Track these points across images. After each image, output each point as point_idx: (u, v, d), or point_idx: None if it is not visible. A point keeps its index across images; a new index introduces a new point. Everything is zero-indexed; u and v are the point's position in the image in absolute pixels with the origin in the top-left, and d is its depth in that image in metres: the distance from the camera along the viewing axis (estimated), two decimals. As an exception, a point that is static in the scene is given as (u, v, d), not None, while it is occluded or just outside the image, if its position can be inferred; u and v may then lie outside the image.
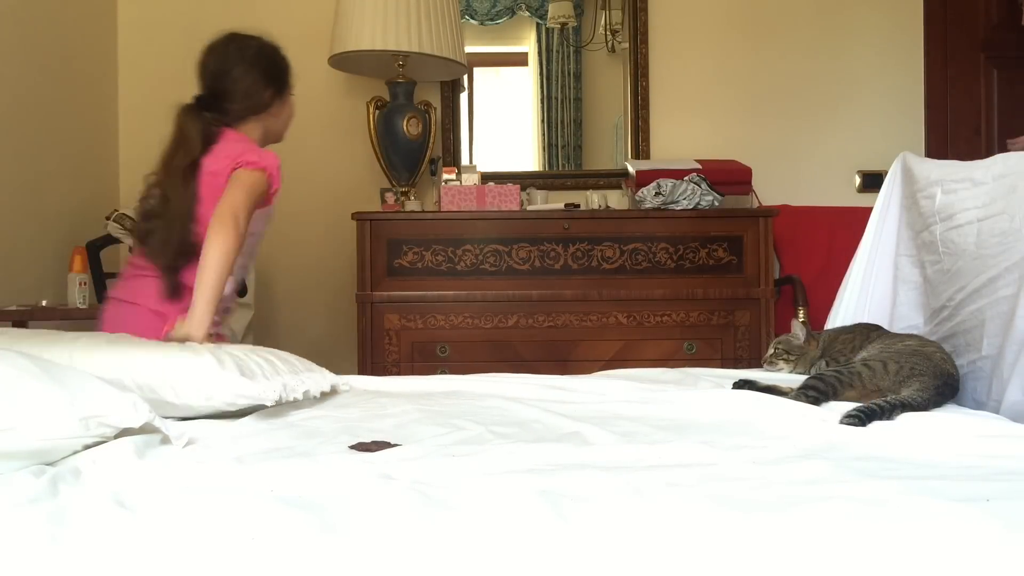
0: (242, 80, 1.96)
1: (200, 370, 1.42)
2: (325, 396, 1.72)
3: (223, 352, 1.50)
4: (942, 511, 0.91)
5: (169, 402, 1.40)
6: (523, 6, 3.54)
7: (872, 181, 3.41)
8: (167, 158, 1.94)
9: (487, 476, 1.07)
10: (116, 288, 2.00)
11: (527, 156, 3.55)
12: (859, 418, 1.39)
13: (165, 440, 1.23)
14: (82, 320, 2.45)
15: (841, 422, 1.39)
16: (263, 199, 1.91)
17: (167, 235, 1.86)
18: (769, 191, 3.31)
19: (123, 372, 1.38)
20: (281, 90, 2.04)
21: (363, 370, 2.79)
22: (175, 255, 1.85)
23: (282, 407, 1.55)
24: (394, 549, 0.83)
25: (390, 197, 3.06)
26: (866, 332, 1.85)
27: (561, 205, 3.01)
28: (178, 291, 1.86)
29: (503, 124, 3.63)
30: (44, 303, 2.51)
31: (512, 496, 0.97)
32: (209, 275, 1.73)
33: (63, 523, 0.87)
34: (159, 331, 1.77)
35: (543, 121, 3.56)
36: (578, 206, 3.12)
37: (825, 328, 2.07)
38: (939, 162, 2.00)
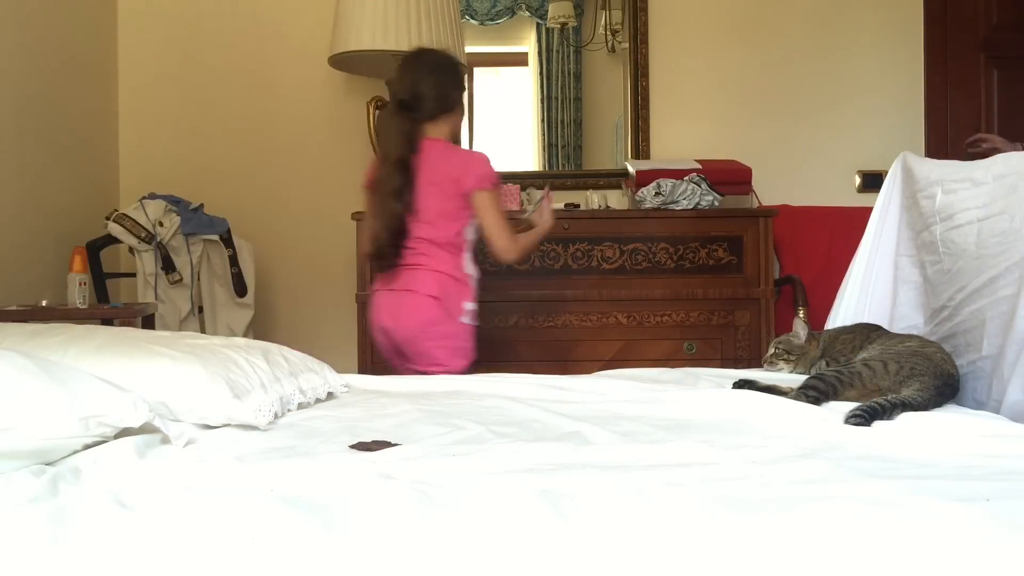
0: (438, 85, 2.29)
1: (192, 391, 1.40)
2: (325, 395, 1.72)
3: (222, 366, 1.48)
4: (942, 511, 0.91)
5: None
6: (523, 6, 3.54)
7: (872, 181, 3.41)
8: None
9: (487, 476, 1.07)
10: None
11: (527, 156, 3.55)
12: (864, 417, 1.39)
13: (165, 440, 1.23)
14: (82, 320, 2.45)
15: (846, 422, 1.39)
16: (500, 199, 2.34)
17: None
18: (769, 191, 3.31)
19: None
20: (460, 97, 2.36)
21: (363, 370, 2.78)
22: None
23: (282, 407, 1.55)
24: (394, 549, 0.83)
25: (390, 197, 3.06)
26: (866, 332, 1.85)
27: (561, 205, 3.01)
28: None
29: (503, 124, 3.63)
30: (44, 303, 2.51)
31: (512, 495, 0.97)
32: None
33: (63, 523, 0.87)
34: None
35: (543, 121, 3.56)
36: (578, 206, 3.11)
37: (825, 328, 2.07)
38: (939, 162, 2.00)
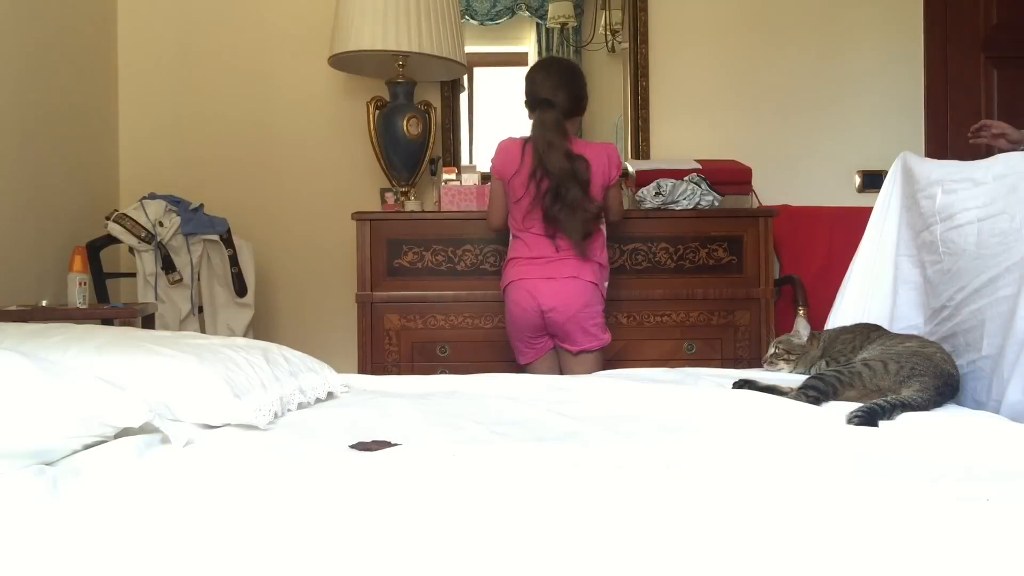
0: (581, 91, 2.57)
1: (192, 391, 1.39)
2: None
3: (222, 365, 1.47)
4: (942, 511, 0.91)
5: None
6: (523, 6, 3.53)
7: (872, 181, 3.41)
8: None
9: (487, 476, 1.07)
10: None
11: (527, 156, 3.55)
12: (865, 417, 1.39)
13: (165, 440, 1.23)
14: (82, 320, 2.45)
15: (849, 422, 1.39)
16: None
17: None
18: (769, 191, 3.31)
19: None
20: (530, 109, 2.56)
21: (363, 370, 2.78)
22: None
23: (282, 407, 1.55)
24: (394, 548, 0.83)
25: (390, 197, 3.06)
26: (866, 332, 1.85)
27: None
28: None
29: (503, 124, 3.63)
30: (44, 303, 2.51)
31: (512, 495, 0.97)
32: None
33: (63, 523, 0.87)
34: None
35: (543, 121, 3.55)
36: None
37: (825, 328, 2.07)
38: (939, 162, 2.00)
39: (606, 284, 2.59)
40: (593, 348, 2.51)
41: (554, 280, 2.48)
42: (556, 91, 2.49)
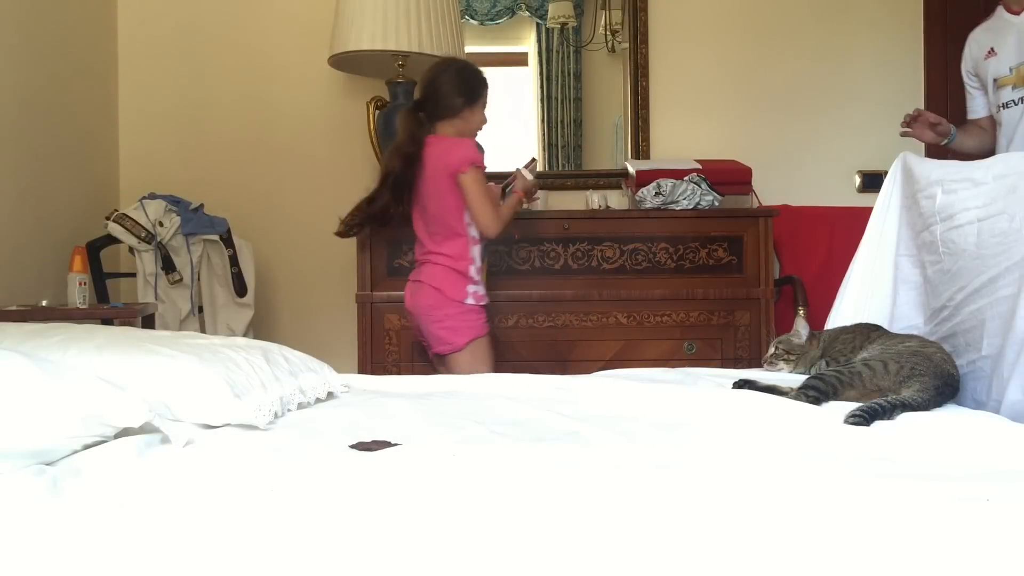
0: (444, 88, 2.48)
1: (192, 391, 1.39)
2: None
3: (222, 365, 1.47)
4: (942, 511, 0.91)
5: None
6: (523, 6, 3.53)
7: (872, 181, 3.41)
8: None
9: (487, 476, 1.07)
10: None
11: (527, 156, 3.54)
12: (863, 417, 1.39)
13: (165, 440, 1.23)
14: (82, 320, 2.45)
15: (846, 422, 1.39)
16: (485, 179, 2.45)
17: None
18: (769, 191, 3.31)
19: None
20: (469, 101, 2.48)
21: (363, 370, 2.78)
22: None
23: (282, 407, 1.55)
24: (395, 549, 0.83)
25: (390, 197, 3.05)
26: (866, 332, 1.85)
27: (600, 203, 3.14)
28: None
29: (503, 124, 3.63)
30: (44, 303, 2.51)
31: (512, 495, 0.97)
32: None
33: (63, 523, 0.87)
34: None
35: (543, 121, 3.56)
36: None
37: (825, 328, 2.07)
38: (939, 162, 2.00)
39: (471, 288, 2.45)
40: (443, 352, 2.46)
41: (410, 282, 2.54)
42: (419, 90, 2.53)
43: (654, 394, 1.66)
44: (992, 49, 2.56)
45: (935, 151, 3.41)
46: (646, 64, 3.44)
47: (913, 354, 1.63)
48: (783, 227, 3.15)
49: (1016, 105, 2.48)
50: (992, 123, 2.60)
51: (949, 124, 2.57)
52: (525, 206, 2.64)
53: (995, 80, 2.55)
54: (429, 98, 2.48)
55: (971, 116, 2.70)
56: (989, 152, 2.53)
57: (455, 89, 2.47)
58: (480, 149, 2.48)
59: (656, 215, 2.88)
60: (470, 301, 2.45)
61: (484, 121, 2.55)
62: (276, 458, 1.19)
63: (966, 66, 2.68)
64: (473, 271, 2.47)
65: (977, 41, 2.62)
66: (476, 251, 2.48)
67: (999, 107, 2.53)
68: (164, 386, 1.38)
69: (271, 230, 3.39)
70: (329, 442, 1.29)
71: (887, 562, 0.78)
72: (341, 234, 2.61)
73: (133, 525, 0.88)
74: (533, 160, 2.62)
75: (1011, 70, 2.51)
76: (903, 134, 2.63)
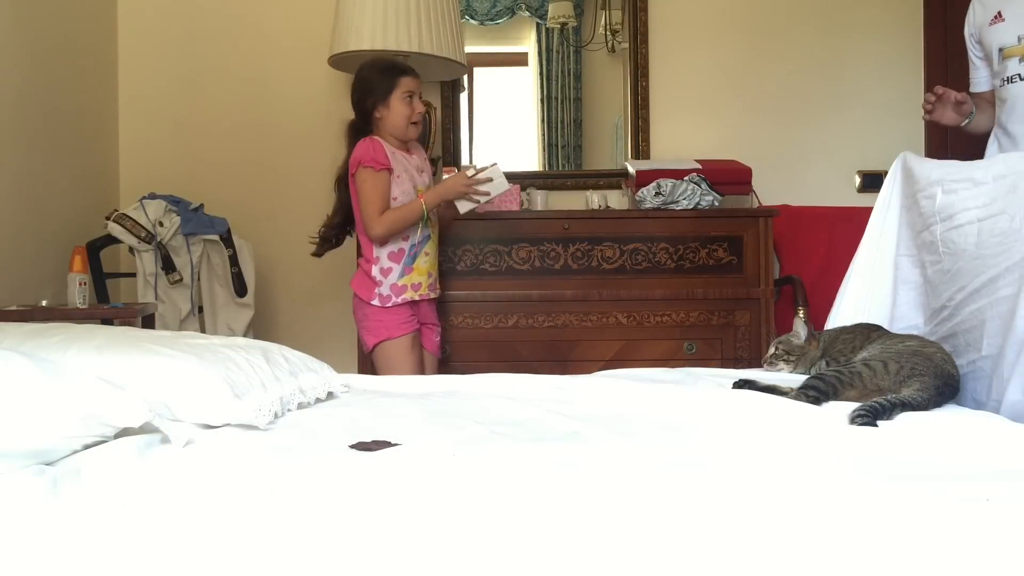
0: (353, 97, 2.53)
1: (192, 391, 1.39)
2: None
3: (222, 365, 1.47)
4: (943, 511, 0.91)
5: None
6: (523, 6, 3.53)
7: (872, 181, 3.41)
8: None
9: (487, 476, 1.07)
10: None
11: (527, 156, 3.55)
12: (869, 417, 1.39)
13: (165, 440, 1.23)
14: (82, 320, 2.45)
15: (852, 422, 1.38)
16: (381, 182, 2.43)
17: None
18: (769, 191, 3.31)
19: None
20: (377, 101, 2.48)
21: (363, 370, 2.78)
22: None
23: (282, 407, 1.55)
24: (395, 549, 0.83)
25: (390, 197, 3.05)
26: (866, 332, 1.85)
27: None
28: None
29: (503, 124, 3.63)
30: (44, 303, 2.51)
31: (512, 495, 0.97)
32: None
33: (63, 523, 0.87)
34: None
35: (543, 121, 3.56)
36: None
37: (825, 328, 2.07)
38: (939, 162, 2.00)
39: (379, 290, 2.46)
40: (367, 350, 2.53)
41: None
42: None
43: (654, 394, 1.66)
44: (999, 13, 2.26)
45: (936, 150, 3.42)
46: (646, 64, 3.45)
47: (913, 354, 1.63)
48: (783, 227, 3.15)
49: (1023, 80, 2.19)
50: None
51: (972, 102, 2.29)
52: (467, 209, 2.51)
53: (1000, 50, 2.26)
54: (355, 112, 2.53)
55: (974, 89, 2.41)
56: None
57: (361, 96, 2.49)
58: (385, 149, 2.44)
59: (656, 215, 2.88)
60: (375, 303, 2.45)
61: (406, 112, 2.47)
62: (276, 458, 1.19)
63: (969, 30, 2.37)
64: (376, 272, 2.46)
65: (983, 2, 2.32)
66: (384, 252, 2.46)
67: (1003, 81, 2.25)
68: (164, 386, 1.38)
69: (271, 230, 3.39)
70: (329, 442, 1.29)
71: (887, 562, 0.78)
72: (315, 254, 2.65)
73: (133, 525, 0.88)
74: (494, 165, 2.48)
75: (1020, 39, 2.22)
76: (927, 119, 2.34)
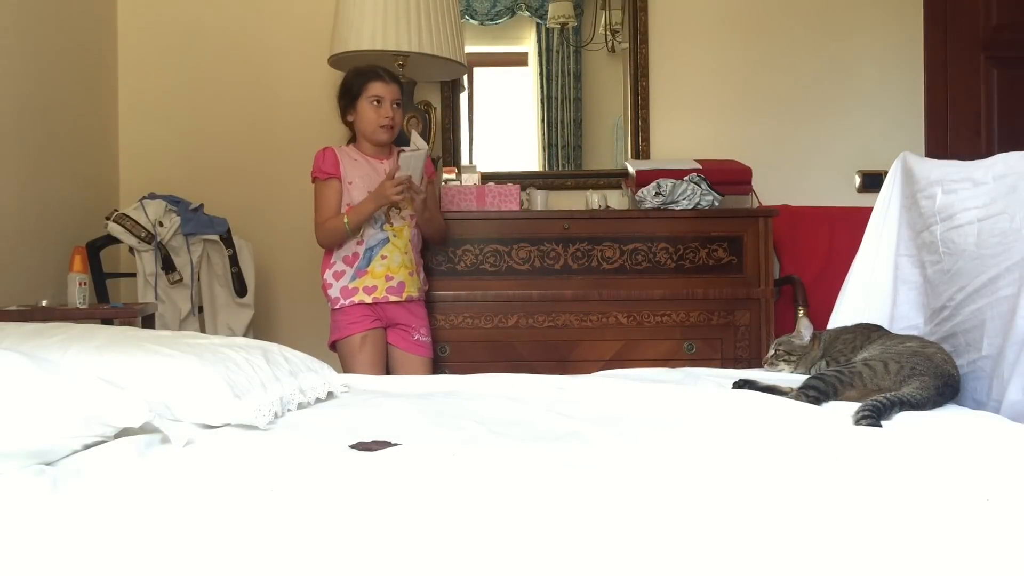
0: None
1: (192, 391, 1.39)
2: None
3: (222, 365, 1.47)
4: (942, 511, 0.91)
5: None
6: (523, 6, 3.53)
7: (872, 181, 3.41)
8: None
9: (487, 476, 1.07)
10: None
11: (527, 156, 3.55)
12: (873, 417, 1.39)
13: (165, 440, 1.23)
14: (82, 320, 2.44)
15: (857, 423, 1.38)
16: (326, 190, 2.54)
17: None
18: (769, 191, 3.31)
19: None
20: (348, 104, 2.58)
21: (363, 370, 2.78)
22: None
23: (282, 407, 1.55)
24: (395, 549, 0.83)
25: (390, 197, 3.05)
26: (867, 332, 1.85)
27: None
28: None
29: (503, 124, 3.63)
30: (44, 303, 2.51)
31: (512, 495, 0.97)
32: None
33: (63, 523, 0.87)
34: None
35: (543, 121, 3.56)
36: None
37: (825, 328, 2.06)
38: (939, 162, 1.99)
39: (330, 293, 2.57)
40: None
41: None
42: None
43: (654, 394, 1.66)
44: None
45: (936, 150, 3.42)
46: (646, 64, 3.45)
47: (913, 354, 1.63)
48: (783, 227, 3.15)
49: None
50: None
51: None
52: (400, 208, 2.55)
53: None
54: None
55: None
56: None
57: (338, 99, 2.60)
58: (338, 157, 2.54)
59: (656, 215, 2.88)
60: (329, 304, 2.58)
61: (372, 116, 2.53)
62: (276, 458, 1.19)
63: None
64: (329, 275, 2.56)
65: None
66: (339, 256, 2.55)
67: None
68: (164, 386, 1.38)
69: (271, 230, 3.39)
70: (329, 442, 1.29)
71: (887, 561, 0.78)
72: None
73: (133, 525, 0.88)
74: (400, 150, 2.46)
75: None
76: None
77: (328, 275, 2.56)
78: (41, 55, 2.85)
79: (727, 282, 2.88)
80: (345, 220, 2.48)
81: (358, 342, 2.51)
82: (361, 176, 2.54)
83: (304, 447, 1.26)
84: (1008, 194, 1.69)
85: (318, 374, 1.71)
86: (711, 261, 2.88)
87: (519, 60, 3.59)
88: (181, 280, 2.91)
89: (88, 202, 3.14)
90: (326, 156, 2.54)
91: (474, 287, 2.85)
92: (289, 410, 1.54)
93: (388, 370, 2.58)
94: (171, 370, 1.41)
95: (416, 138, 2.49)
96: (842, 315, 2.09)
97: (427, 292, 2.73)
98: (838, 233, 3.12)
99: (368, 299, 2.52)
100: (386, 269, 2.53)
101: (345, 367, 2.51)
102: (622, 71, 3.51)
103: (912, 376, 1.57)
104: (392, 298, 2.54)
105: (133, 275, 2.94)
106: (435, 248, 2.83)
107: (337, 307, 2.54)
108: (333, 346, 2.57)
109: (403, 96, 2.87)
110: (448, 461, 1.16)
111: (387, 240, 2.54)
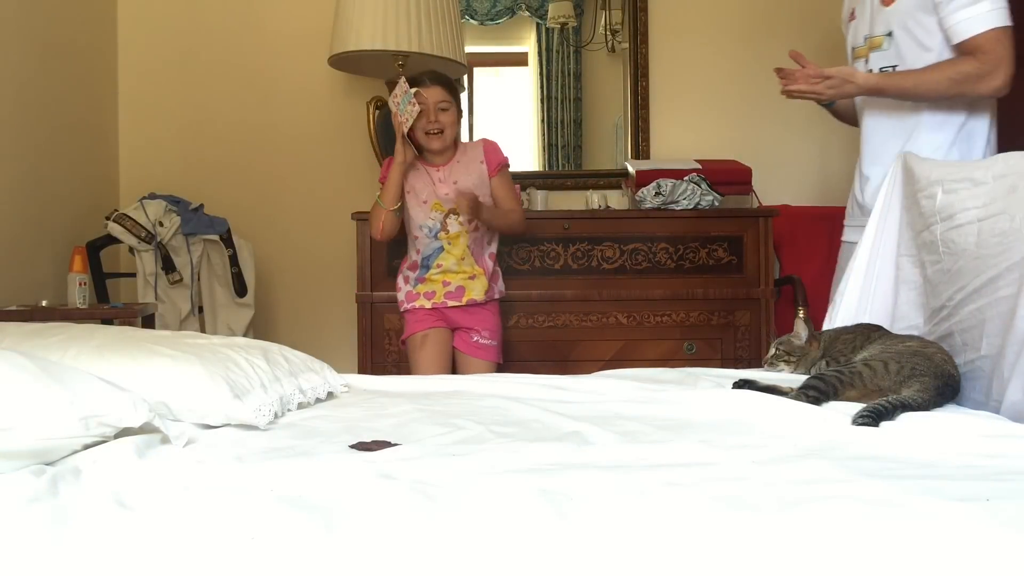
0: None
1: (192, 391, 1.40)
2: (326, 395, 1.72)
3: (222, 366, 1.47)
4: (943, 511, 0.91)
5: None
6: (523, 6, 3.53)
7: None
8: None
9: (487, 476, 1.07)
10: None
11: (527, 156, 3.55)
12: (872, 418, 1.39)
13: (165, 440, 1.23)
14: (82, 320, 2.45)
15: (855, 423, 1.38)
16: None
17: None
18: (769, 191, 3.31)
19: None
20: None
21: (363, 370, 2.78)
22: None
23: (282, 407, 1.55)
24: (395, 549, 0.83)
25: (390, 197, 3.05)
26: (867, 332, 1.85)
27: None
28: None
29: (503, 124, 3.63)
30: (44, 303, 2.51)
31: (512, 495, 0.97)
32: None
33: (63, 523, 0.87)
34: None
35: (543, 121, 3.56)
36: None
37: (823, 328, 2.06)
38: (939, 162, 1.99)
39: (399, 296, 2.61)
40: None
41: None
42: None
43: (654, 394, 1.66)
44: (853, 12, 2.20)
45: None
46: (646, 64, 3.44)
47: (913, 354, 1.63)
48: (783, 227, 3.15)
49: None
50: None
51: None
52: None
53: (853, 50, 2.19)
54: None
55: None
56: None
57: None
58: (393, 166, 2.51)
59: (656, 215, 2.88)
60: (399, 307, 2.62)
61: (418, 125, 2.47)
62: (276, 458, 1.19)
63: (843, 25, 2.26)
64: (400, 280, 2.62)
65: None
66: (406, 263, 2.63)
67: None
68: (164, 386, 1.38)
69: (271, 230, 3.39)
70: (329, 442, 1.29)
71: (887, 562, 0.78)
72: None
73: (133, 525, 0.88)
74: (408, 91, 2.40)
75: (865, 40, 2.12)
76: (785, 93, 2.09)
77: (399, 279, 2.62)
78: (41, 55, 2.85)
79: (727, 282, 2.88)
80: (377, 196, 2.53)
81: (419, 340, 2.54)
82: (411, 186, 2.53)
83: (304, 447, 1.26)
84: (1008, 194, 1.69)
85: (318, 374, 1.71)
86: (711, 261, 2.88)
87: (519, 60, 3.59)
88: (181, 280, 2.91)
89: (88, 202, 3.14)
90: (386, 164, 2.57)
91: (474, 287, 2.84)
92: (289, 410, 1.54)
93: (454, 372, 2.57)
94: (171, 370, 1.41)
95: (401, 83, 2.44)
96: (841, 315, 2.08)
97: (501, 295, 2.65)
98: (838, 233, 3.11)
99: (428, 304, 2.54)
100: (443, 276, 2.53)
101: (410, 364, 2.57)
102: (622, 71, 3.51)
103: (912, 376, 1.57)
104: (451, 303, 2.52)
105: (133, 275, 2.94)
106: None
107: (403, 309, 2.59)
108: (404, 344, 2.62)
109: (453, 94, 2.63)
110: (448, 461, 1.16)
111: (441, 249, 2.53)
